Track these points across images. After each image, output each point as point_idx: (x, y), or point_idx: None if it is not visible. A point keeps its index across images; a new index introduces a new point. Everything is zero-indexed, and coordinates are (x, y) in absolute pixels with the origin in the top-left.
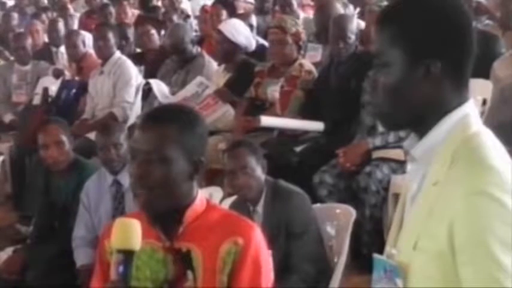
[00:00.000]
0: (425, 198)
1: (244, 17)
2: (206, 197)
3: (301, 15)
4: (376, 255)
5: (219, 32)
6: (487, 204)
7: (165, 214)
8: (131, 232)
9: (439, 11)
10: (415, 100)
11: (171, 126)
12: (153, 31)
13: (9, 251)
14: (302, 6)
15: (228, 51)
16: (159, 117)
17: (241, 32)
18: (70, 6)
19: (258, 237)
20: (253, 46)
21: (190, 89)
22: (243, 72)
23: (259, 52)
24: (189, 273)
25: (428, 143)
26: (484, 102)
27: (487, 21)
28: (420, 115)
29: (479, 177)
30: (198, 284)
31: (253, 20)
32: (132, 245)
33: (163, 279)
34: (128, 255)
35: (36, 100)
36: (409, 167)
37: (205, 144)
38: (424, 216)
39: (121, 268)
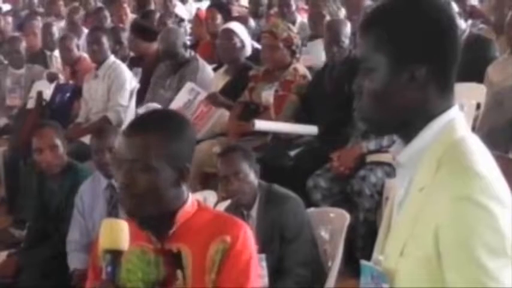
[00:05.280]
0: (412, 204)
1: (242, 21)
2: (198, 199)
3: (299, 18)
4: (363, 261)
5: (228, 30)
6: (472, 210)
7: (152, 218)
8: (118, 232)
9: (424, 16)
10: (400, 105)
11: (155, 135)
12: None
13: (3, 255)
14: (298, 9)
15: (236, 49)
16: (143, 125)
17: (246, 35)
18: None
19: (246, 235)
20: (249, 52)
21: (181, 97)
22: (242, 75)
23: (254, 56)
24: (179, 273)
25: (414, 148)
26: (478, 106)
27: (482, 25)
28: (405, 120)
29: (465, 183)
30: (188, 283)
31: (252, 23)
32: (120, 245)
33: (154, 280)
34: (115, 255)
35: (30, 104)
36: (397, 171)
37: (191, 149)
38: (410, 222)
39: (109, 268)
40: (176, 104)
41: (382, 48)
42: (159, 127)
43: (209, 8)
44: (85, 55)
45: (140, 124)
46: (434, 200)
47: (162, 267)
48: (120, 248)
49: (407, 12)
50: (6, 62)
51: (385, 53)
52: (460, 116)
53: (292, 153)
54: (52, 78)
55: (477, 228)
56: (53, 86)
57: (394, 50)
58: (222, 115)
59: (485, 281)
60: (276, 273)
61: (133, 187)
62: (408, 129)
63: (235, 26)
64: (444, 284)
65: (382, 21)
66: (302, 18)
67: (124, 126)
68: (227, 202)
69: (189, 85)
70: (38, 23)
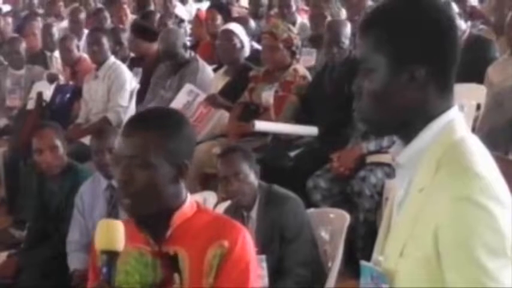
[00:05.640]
0: (411, 204)
1: (243, 21)
2: (197, 200)
3: (299, 19)
4: (363, 262)
5: (228, 31)
6: (471, 210)
7: (151, 218)
8: (114, 233)
9: (424, 16)
10: (399, 106)
11: (154, 131)
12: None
13: (3, 255)
14: (298, 10)
15: (236, 50)
16: (142, 122)
17: (245, 36)
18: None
19: (244, 240)
20: (247, 53)
21: (180, 98)
22: (242, 76)
23: (254, 57)
24: (176, 276)
25: (413, 149)
26: (479, 107)
27: (482, 26)
28: (405, 121)
29: (464, 183)
30: (185, 287)
31: (252, 24)
32: (115, 246)
33: (151, 283)
34: (111, 256)
35: (30, 105)
36: (397, 172)
37: (190, 146)
38: (410, 222)
39: (104, 269)
40: (175, 106)
41: (382, 48)
42: (157, 124)
43: (209, 8)
44: (85, 56)
45: (139, 121)
46: (434, 201)
47: (159, 270)
48: (116, 249)
49: (407, 12)
50: (6, 62)
51: (385, 54)
52: (459, 116)
53: (292, 154)
54: (52, 79)
55: (477, 229)
56: (53, 86)
57: (393, 51)
58: (222, 116)
59: (484, 281)
60: (276, 273)
61: (131, 184)
62: (408, 130)
63: (234, 26)
64: (444, 285)
65: (382, 22)
66: (302, 19)
67: None
68: (227, 203)
69: (187, 87)
70: (38, 23)
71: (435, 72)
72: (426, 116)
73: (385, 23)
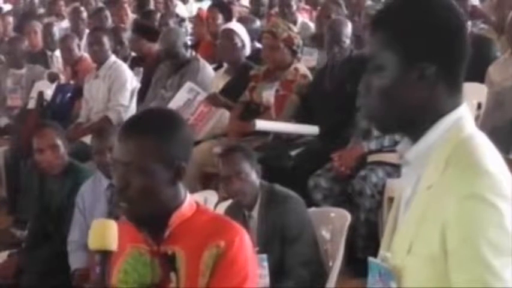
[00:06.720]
0: (419, 202)
1: (248, 21)
2: (197, 200)
3: (300, 19)
4: (371, 259)
5: (229, 30)
6: (479, 208)
7: (149, 220)
8: (106, 232)
9: (432, 14)
10: (408, 103)
11: (149, 136)
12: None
13: (4, 255)
14: (299, 9)
15: (237, 49)
16: (137, 126)
17: (246, 35)
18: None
19: (242, 241)
20: (247, 52)
21: (180, 96)
22: (243, 75)
23: (255, 56)
24: (172, 275)
25: (422, 146)
26: (479, 106)
27: (482, 25)
28: (414, 119)
29: (472, 181)
30: (181, 286)
31: (258, 23)
32: (107, 245)
33: (149, 282)
34: (104, 255)
35: (31, 104)
36: (403, 170)
37: (187, 148)
38: (417, 220)
39: (98, 269)
40: (175, 104)
41: (392, 46)
42: (153, 128)
43: (210, 7)
44: (86, 55)
45: (133, 126)
46: (441, 198)
47: (157, 269)
48: (108, 249)
49: (417, 10)
50: (6, 62)
51: (395, 51)
52: (468, 114)
53: (293, 153)
54: (53, 78)
55: (484, 226)
56: (53, 86)
57: (403, 48)
58: (223, 116)
59: (490, 280)
60: (277, 273)
61: (128, 190)
62: (416, 127)
63: (235, 26)
64: (451, 283)
65: (392, 19)
66: (303, 18)
67: None
68: (228, 202)
69: (188, 85)
70: (38, 23)
71: (445, 69)
72: (435, 114)
73: (396, 20)
